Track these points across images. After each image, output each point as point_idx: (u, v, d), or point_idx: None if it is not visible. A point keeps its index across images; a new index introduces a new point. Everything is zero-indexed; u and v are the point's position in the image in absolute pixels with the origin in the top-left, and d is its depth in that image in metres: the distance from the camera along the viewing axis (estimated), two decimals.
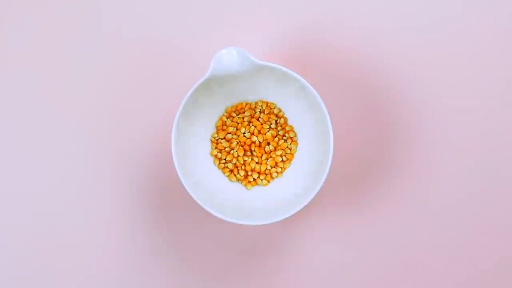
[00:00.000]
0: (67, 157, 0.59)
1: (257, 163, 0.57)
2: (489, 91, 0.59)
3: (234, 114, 0.57)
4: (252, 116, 0.57)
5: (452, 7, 0.59)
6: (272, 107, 0.57)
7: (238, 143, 0.57)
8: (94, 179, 0.59)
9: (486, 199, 0.59)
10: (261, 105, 0.57)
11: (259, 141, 0.57)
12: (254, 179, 0.56)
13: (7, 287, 0.59)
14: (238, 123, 0.57)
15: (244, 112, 0.57)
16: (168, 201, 0.59)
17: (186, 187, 0.52)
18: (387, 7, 0.59)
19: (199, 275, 0.59)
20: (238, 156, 0.57)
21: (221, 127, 0.57)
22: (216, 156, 0.57)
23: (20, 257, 0.59)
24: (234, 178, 0.57)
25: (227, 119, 0.57)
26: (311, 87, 0.52)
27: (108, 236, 0.59)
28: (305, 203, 0.52)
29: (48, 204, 0.59)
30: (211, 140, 0.57)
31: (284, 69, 0.52)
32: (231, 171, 0.57)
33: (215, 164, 0.57)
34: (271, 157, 0.57)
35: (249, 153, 0.57)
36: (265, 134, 0.57)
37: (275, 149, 0.57)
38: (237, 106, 0.57)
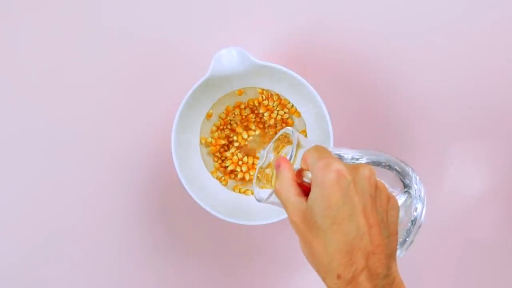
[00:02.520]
0: (67, 157, 0.59)
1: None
2: (488, 91, 0.59)
3: (234, 113, 0.57)
4: (254, 112, 0.57)
5: (447, 11, 0.59)
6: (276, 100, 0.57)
7: (237, 146, 0.57)
8: (94, 178, 0.59)
9: (487, 197, 0.59)
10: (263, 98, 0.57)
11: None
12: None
13: (6, 287, 0.59)
14: (237, 124, 0.57)
15: (244, 110, 0.57)
16: (168, 201, 0.59)
17: (186, 187, 0.52)
18: (385, 8, 0.59)
19: (199, 274, 0.59)
20: (238, 159, 0.57)
21: (221, 126, 0.57)
22: (215, 156, 0.57)
23: (21, 257, 0.59)
24: (234, 187, 0.57)
25: (227, 117, 0.57)
26: (311, 86, 0.52)
27: (107, 235, 0.59)
28: None
29: (48, 203, 0.59)
30: (211, 143, 0.57)
31: (284, 69, 0.52)
32: (230, 173, 0.57)
33: (213, 170, 0.57)
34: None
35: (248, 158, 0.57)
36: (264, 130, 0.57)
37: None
38: (237, 105, 0.57)
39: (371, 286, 0.35)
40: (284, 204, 0.38)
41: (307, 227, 0.37)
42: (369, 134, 0.59)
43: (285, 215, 0.51)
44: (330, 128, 0.52)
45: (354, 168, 0.37)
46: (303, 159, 0.39)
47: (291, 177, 0.38)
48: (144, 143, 0.59)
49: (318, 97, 0.52)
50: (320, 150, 0.38)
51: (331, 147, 0.42)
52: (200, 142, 0.57)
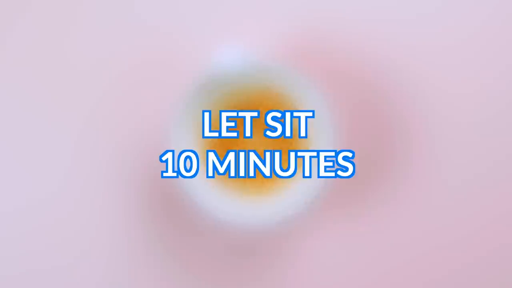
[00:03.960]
0: (62, 155, 0.59)
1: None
2: (498, 91, 0.59)
3: (233, 114, 0.57)
4: (253, 111, 0.57)
5: (460, 10, 0.59)
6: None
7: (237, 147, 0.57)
8: (89, 177, 0.59)
9: (491, 200, 0.59)
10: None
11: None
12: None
13: (5, 286, 0.60)
14: (238, 124, 0.57)
15: (244, 111, 0.57)
16: (166, 199, 0.59)
17: (185, 186, 0.53)
18: (392, 6, 0.59)
19: (198, 275, 0.60)
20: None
21: (219, 127, 0.57)
22: (213, 159, 0.57)
23: (12, 257, 0.60)
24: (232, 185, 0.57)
25: (225, 118, 0.57)
26: (314, 86, 0.52)
27: (103, 236, 0.59)
28: None
29: (44, 203, 0.59)
30: (208, 142, 0.57)
31: (286, 67, 0.52)
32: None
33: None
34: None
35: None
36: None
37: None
38: (237, 105, 0.57)
39: None
40: None
41: None
42: (373, 135, 0.59)
43: None
44: (332, 127, 0.52)
45: None
46: None
47: None
48: (142, 143, 0.59)
49: (320, 96, 0.52)
50: None
51: None
52: (198, 141, 0.57)
